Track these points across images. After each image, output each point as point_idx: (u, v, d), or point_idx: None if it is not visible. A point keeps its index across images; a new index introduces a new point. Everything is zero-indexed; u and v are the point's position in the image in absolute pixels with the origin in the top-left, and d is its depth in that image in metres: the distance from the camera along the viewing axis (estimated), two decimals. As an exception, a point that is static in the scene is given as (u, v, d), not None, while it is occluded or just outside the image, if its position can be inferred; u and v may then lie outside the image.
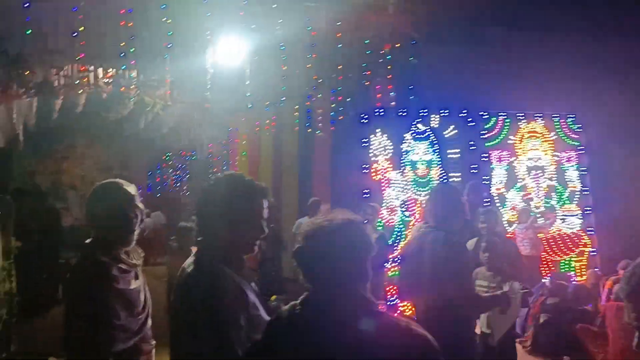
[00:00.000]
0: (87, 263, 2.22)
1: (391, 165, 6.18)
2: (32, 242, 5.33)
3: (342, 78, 6.38)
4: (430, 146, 6.32)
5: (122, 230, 2.26)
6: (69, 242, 9.68)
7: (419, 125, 6.28)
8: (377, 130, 6.13)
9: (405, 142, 6.24)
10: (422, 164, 6.24)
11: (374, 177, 6.12)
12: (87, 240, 2.35)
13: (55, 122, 13.65)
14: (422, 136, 6.28)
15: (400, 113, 6.23)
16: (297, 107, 8.89)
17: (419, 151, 6.26)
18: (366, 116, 6.08)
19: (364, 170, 6.05)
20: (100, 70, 5.91)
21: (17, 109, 10.47)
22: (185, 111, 11.53)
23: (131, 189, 2.33)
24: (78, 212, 13.52)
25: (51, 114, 8.12)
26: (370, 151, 6.14)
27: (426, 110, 6.32)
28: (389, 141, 6.16)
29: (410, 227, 6.24)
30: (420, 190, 6.28)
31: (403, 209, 6.21)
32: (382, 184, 6.14)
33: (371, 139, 6.17)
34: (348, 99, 6.92)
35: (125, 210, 2.26)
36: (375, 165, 6.15)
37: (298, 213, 8.96)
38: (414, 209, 6.26)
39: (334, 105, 7.77)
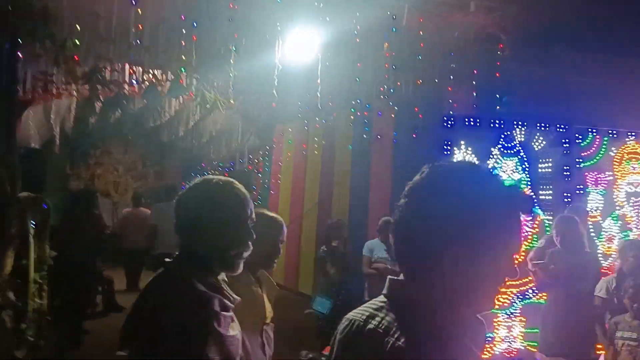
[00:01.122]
0: (178, 290, 1.46)
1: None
2: (69, 252, 4.68)
3: (420, 81, 5.64)
4: (519, 163, 5.50)
5: (233, 248, 1.53)
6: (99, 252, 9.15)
7: (507, 139, 5.48)
8: (462, 143, 5.34)
9: (492, 158, 5.44)
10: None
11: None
12: (169, 259, 1.61)
13: (93, 125, 13.26)
14: (510, 152, 5.47)
15: (493, 124, 5.44)
16: (353, 111, 8.21)
17: (507, 169, 5.44)
18: (451, 122, 5.30)
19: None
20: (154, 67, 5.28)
21: (55, 109, 10.07)
22: (229, 119, 11.04)
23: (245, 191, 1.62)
24: (109, 220, 13.03)
25: (91, 116, 7.55)
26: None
27: (516, 123, 5.52)
28: (473, 156, 5.36)
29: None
30: (506, 214, 5.44)
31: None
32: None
33: (454, 152, 5.38)
34: (415, 107, 6.18)
35: (242, 221, 1.54)
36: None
37: (350, 232, 8.18)
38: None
39: (395, 114, 7.06)
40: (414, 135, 6.45)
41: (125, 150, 13.62)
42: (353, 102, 6.22)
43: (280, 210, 10.40)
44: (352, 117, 8.26)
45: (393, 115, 7.14)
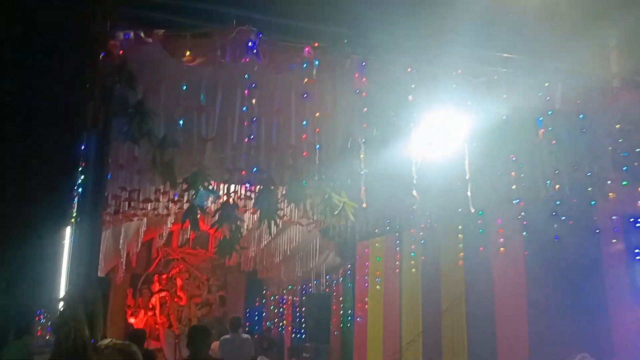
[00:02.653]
0: None
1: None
2: None
3: (579, 172, 4.51)
4: None
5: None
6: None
7: None
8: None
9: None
10: None
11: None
12: None
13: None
14: None
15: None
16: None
17: None
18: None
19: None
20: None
21: (124, 233, 9.38)
22: (305, 236, 10.00)
23: None
24: (171, 354, 11.67)
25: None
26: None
27: None
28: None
29: None
30: None
31: None
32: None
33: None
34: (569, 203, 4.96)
35: None
36: None
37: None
38: None
39: (522, 216, 5.83)
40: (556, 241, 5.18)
41: (189, 277, 12.66)
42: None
43: (371, 343, 8.84)
44: (460, 227, 7.08)
45: (524, 222, 5.92)
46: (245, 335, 7.42)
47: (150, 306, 11.94)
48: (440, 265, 7.44)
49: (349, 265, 9.99)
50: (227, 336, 7.33)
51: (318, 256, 10.32)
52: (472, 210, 3.97)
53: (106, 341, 2.78)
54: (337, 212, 3.45)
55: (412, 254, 8.06)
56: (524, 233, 6.13)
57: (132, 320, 11.42)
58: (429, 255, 7.68)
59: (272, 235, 9.85)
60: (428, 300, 7.59)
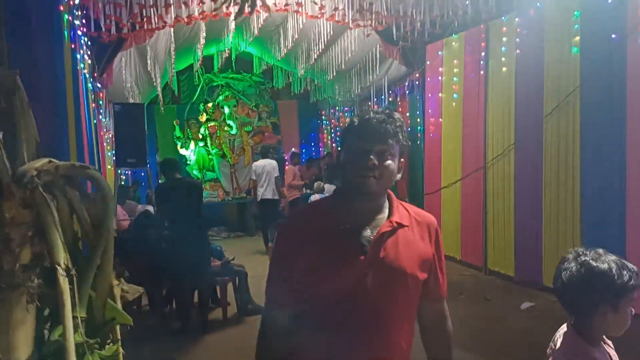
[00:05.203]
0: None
1: None
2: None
3: None
4: None
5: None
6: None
7: None
8: None
9: None
10: None
11: None
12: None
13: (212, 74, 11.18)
14: None
15: None
16: None
17: None
18: None
19: None
20: None
21: (151, 52, 8.07)
22: (363, 45, 8.33)
23: None
24: (228, 185, 11.20)
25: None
26: None
27: None
28: None
29: None
30: None
31: None
32: None
33: None
34: None
35: None
36: None
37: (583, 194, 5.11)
38: None
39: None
40: None
41: (237, 102, 11.56)
42: None
43: (446, 161, 7.65)
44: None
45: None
46: (271, 161, 8.36)
47: (200, 137, 11.17)
48: (544, 59, 5.71)
49: (417, 74, 8.38)
50: (258, 162, 8.45)
51: (379, 67, 8.73)
52: None
53: (40, 162, 1.46)
54: None
55: (504, 48, 6.32)
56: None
57: (183, 151, 10.78)
58: (528, 48, 5.92)
59: (320, 49, 8.21)
60: (524, 105, 6.05)
